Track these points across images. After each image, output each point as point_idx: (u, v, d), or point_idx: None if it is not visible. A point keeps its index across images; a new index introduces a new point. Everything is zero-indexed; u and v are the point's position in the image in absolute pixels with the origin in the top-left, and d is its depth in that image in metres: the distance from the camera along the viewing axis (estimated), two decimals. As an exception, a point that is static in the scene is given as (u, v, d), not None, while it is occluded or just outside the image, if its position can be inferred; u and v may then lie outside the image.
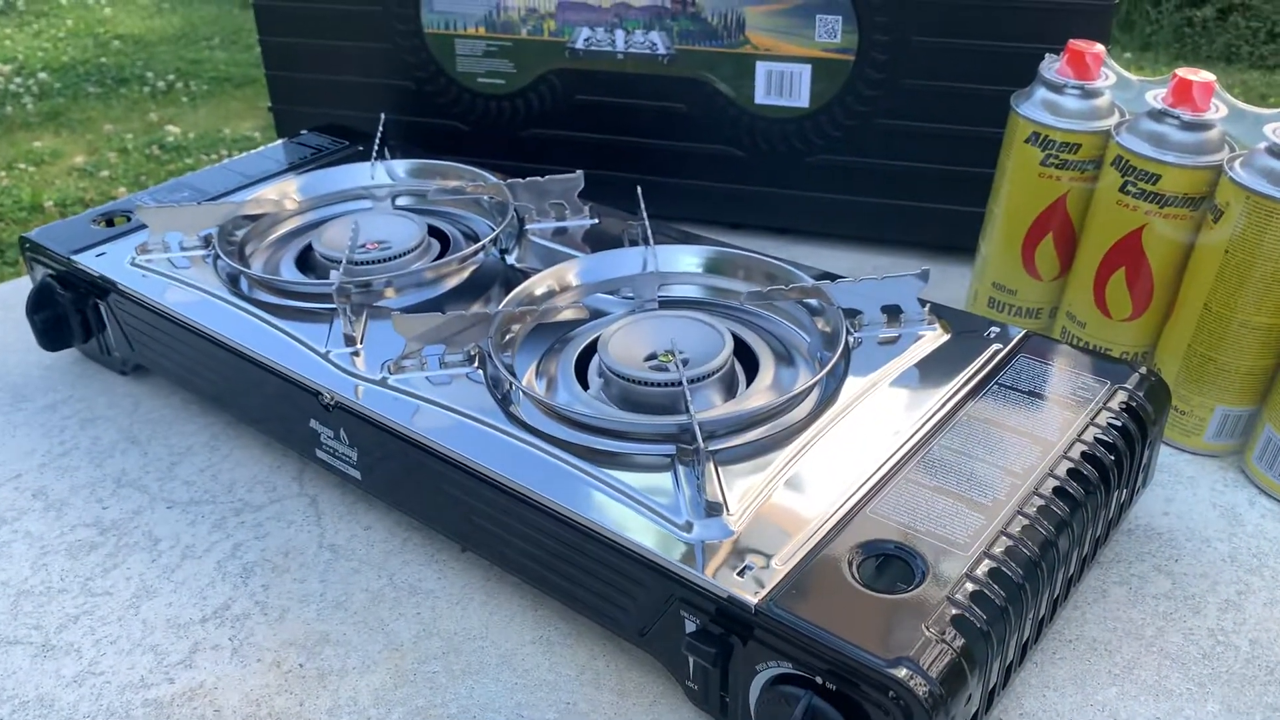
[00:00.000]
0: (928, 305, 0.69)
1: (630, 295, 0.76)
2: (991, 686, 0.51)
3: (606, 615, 0.58)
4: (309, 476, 0.74)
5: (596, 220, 0.83)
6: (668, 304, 0.75)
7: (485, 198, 0.87)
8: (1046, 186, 0.77)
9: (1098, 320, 0.77)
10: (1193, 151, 0.69)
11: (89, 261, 0.81)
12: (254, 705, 0.58)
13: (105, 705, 0.59)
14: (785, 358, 0.69)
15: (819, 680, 0.48)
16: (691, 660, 0.53)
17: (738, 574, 0.51)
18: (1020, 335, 0.67)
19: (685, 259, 0.76)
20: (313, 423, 0.68)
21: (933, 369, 0.65)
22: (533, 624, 0.63)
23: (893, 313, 0.69)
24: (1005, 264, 0.82)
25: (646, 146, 1.00)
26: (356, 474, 0.68)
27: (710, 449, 0.58)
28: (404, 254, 0.79)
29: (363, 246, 0.80)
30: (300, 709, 0.58)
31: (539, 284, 0.72)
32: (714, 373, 0.65)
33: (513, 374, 0.65)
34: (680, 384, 0.62)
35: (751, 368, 0.68)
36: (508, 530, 0.60)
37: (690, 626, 0.53)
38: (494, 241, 0.81)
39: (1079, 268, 0.78)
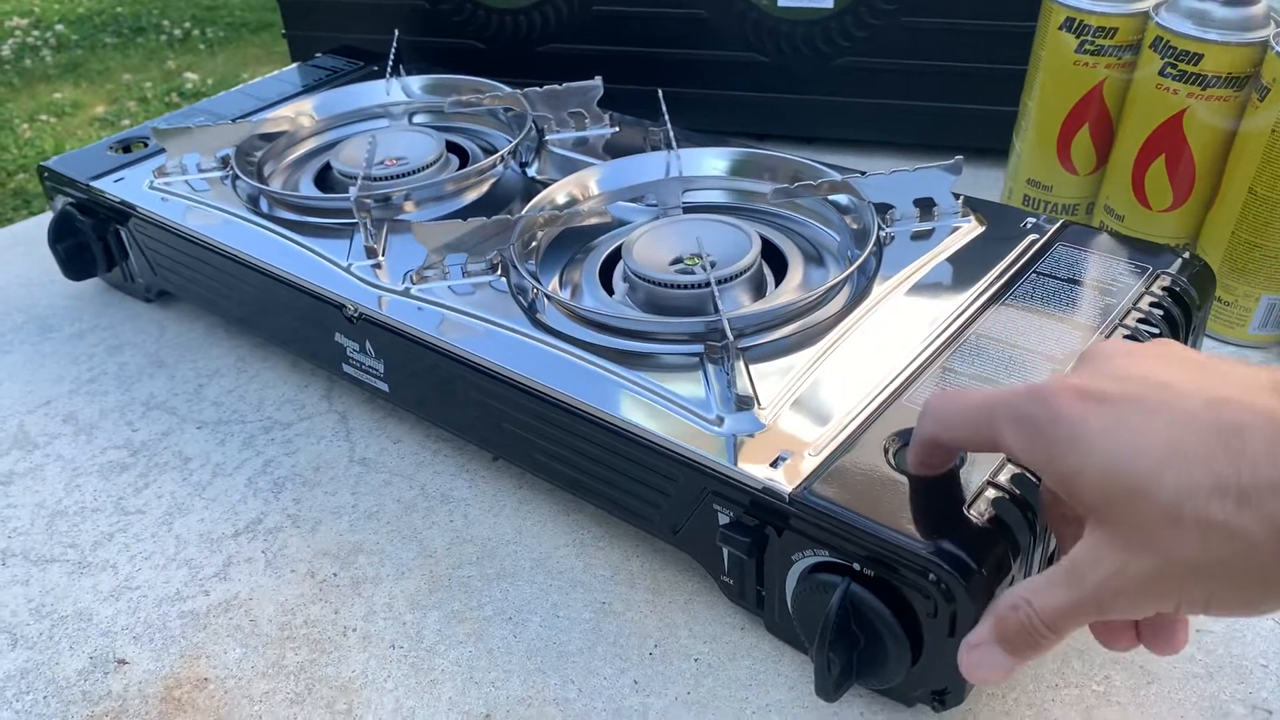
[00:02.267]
0: (961, 198, 0.67)
1: (654, 202, 0.74)
2: (1033, 571, 0.50)
3: (639, 515, 0.57)
4: (337, 393, 0.74)
5: (617, 129, 0.81)
6: (693, 209, 0.73)
7: (502, 110, 0.85)
8: (1082, 75, 0.75)
9: (1137, 212, 0.75)
10: (1237, 28, 0.67)
11: (107, 187, 0.80)
12: (289, 614, 0.58)
13: (143, 618, 0.59)
14: (815, 258, 0.68)
15: (857, 567, 0.47)
16: (726, 553, 0.52)
17: (771, 465, 0.50)
18: (1058, 225, 0.65)
19: (710, 162, 0.74)
20: (338, 336, 0.68)
21: (968, 261, 0.63)
22: (565, 528, 0.62)
23: (925, 206, 0.67)
24: (1040, 159, 0.79)
25: (667, 57, 0.98)
26: (384, 386, 0.67)
27: (739, 346, 0.57)
28: (422, 168, 0.78)
29: (381, 162, 0.78)
30: (336, 616, 0.58)
31: (560, 191, 0.71)
32: (741, 273, 0.63)
33: (536, 279, 0.64)
34: (709, 285, 0.60)
35: (780, 270, 0.67)
36: (538, 435, 0.59)
37: (724, 520, 0.52)
38: (513, 153, 0.79)
39: (1116, 159, 0.75)
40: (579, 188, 0.72)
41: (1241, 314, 0.71)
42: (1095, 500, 0.37)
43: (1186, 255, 0.62)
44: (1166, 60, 0.69)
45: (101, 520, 0.66)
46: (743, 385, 0.54)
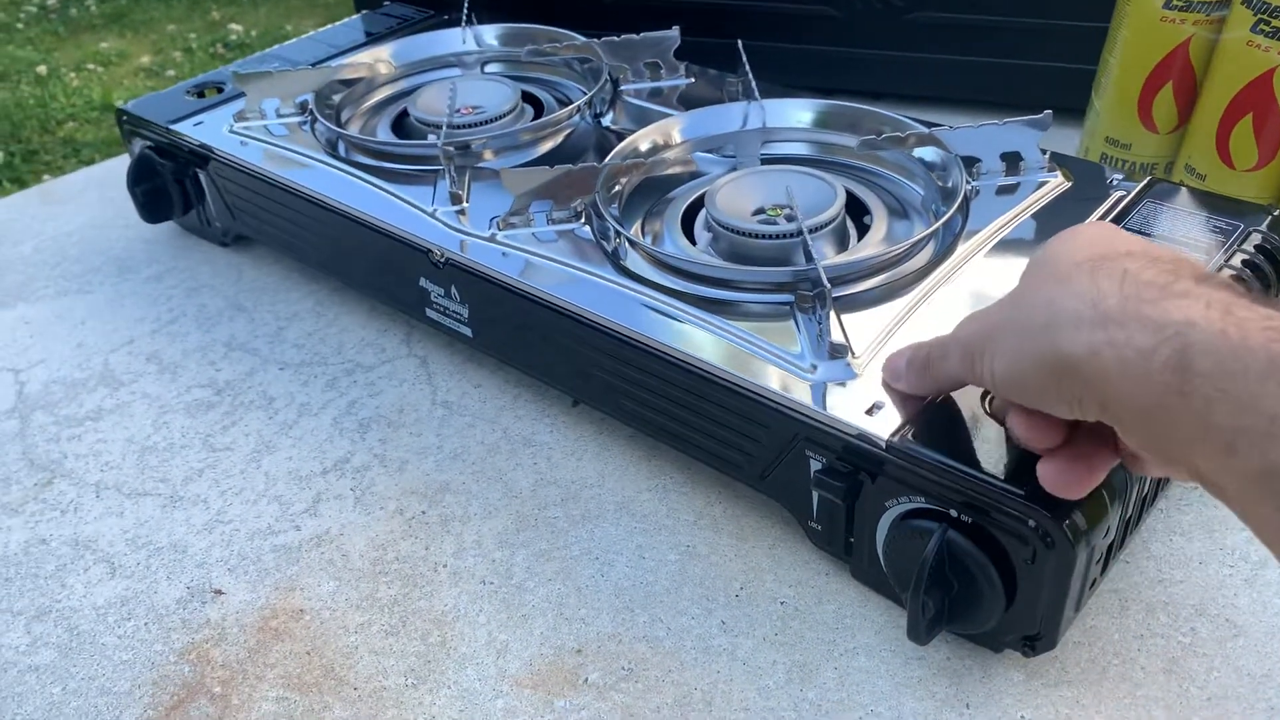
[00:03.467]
0: (1048, 153, 0.67)
1: (732, 154, 0.74)
2: (1128, 518, 0.50)
3: (726, 460, 0.58)
4: (417, 338, 0.75)
5: (692, 79, 0.81)
6: (771, 161, 0.73)
7: (577, 61, 0.85)
8: (1168, 32, 0.74)
9: (1219, 171, 0.74)
10: (1334, -16, 0.66)
11: (187, 130, 0.81)
12: (380, 549, 0.60)
13: (236, 550, 0.60)
14: (899, 212, 0.68)
15: (953, 513, 0.48)
16: (817, 498, 0.53)
17: (866, 412, 0.51)
18: (1145, 182, 0.65)
19: (793, 113, 0.74)
20: (423, 281, 0.68)
21: (1055, 216, 0.63)
22: (647, 473, 0.63)
23: (1012, 160, 0.66)
24: (1120, 117, 0.79)
25: (738, 9, 0.97)
26: (468, 331, 0.68)
27: (813, 297, 0.57)
28: (499, 117, 0.78)
29: (458, 110, 0.79)
30: (426, 552, 0.59)
31: (643, 139, 0.71)
32: (827, 224, 0.63)
33: (620, 225, 0.65)
34: (799, 234, 0.60)
35: (863, 224, 0.67)
36: (624, 380, 0.60)
37: (816, 466, 0.53)
38: (588, 104, 0.79)
39: (1200, 117, 0.74)
40: (662, 136, 0.72)
41: (1324, 276, 0.71)
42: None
43: (1277, 213, 0.62)
44: (1260, 16, 0.68)
45: (191, 456, 0.67)
46: (836, 333, 0.54)
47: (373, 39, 0.94)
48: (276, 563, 0.60)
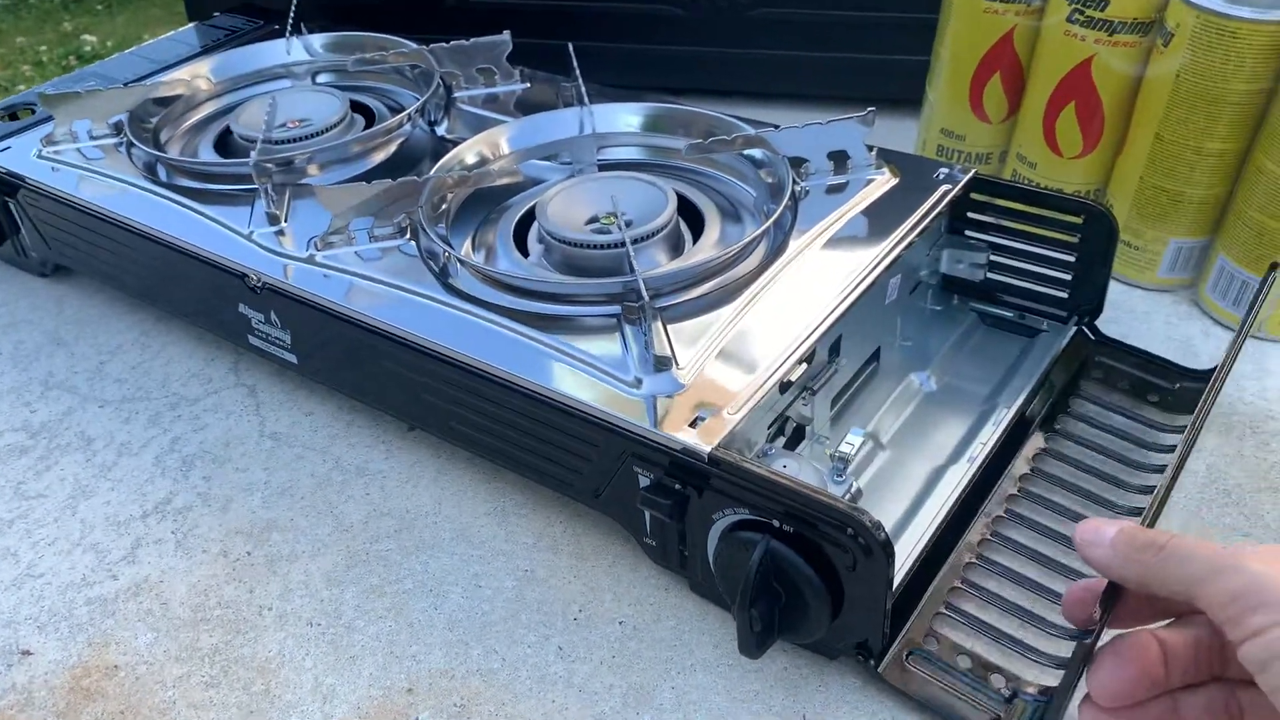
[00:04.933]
0: (874, 150, 0.67)
1: (568, 160, 0.73)
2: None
3: (560, 480, 0.56)
4: (245, 366, 0.72)
5: (528, 85, 0.80)
6: (608, 167, 0.72)
7: (409, 68, 0.83)
8: (991, 23, 0.75)
9: (1048, 159, 0.75)
10: (1142, -27, 0.67)
11: (-7, 156, 0.76)
12: (202, 595, 0.57)
13: (47, 606, 0.57)
14: (732, 214, 0.67)
15: (776, 524, 0.47)
16: (648, 515, 0.52)
17: (690, 425, 0.50)
18: (970, 176, 0.65)
19: (624, 118, 0.73)
20: (242, 307, 0.65)
21: (882, 213, 0.63)
22: (486, 497, 0.61)
23: (839, 159, 0.66)
24: (953, 108, 0.79)
25: (577, 10, 0.96)
26: (292, 358, 0.65)
27: (656, 306, 0.56)
28: (326, 130, 0.75)
29: (283, 124, 0.75)
30: (251, 595, 0.56)
31: (469, 150, 0.69)
32: (657, 232, 0.62)
33: (448, 243, 0.63)
34: (624, 244, 0.59)
35: (698, 227, 0.66)
36: (454, 404, 0.58)
37: (644, 482, 0.51)
38: (420, 111, 0.77)
39: (1028, 106, 0.75)
40: (489, 146, 0.70)
41: (1150, 259, 0.72)
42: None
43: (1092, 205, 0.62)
44: (1074, 6, 0.69)
45: (0, 507, 0.63)
46: (660, 345, 0.53)
47: (199, 53, 0.90)
48: (90, 616, 0.56)
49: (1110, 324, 0.70)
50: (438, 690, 0.51)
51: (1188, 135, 0.67)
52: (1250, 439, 0.62)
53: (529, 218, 0.67)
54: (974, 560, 0.54)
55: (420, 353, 0.57)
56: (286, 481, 0.63)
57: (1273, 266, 0.60)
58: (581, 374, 0.54)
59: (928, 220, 0.62)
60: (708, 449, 0.48)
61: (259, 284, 0.63)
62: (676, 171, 0.71)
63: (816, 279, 0.58)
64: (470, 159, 0.69)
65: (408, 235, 0.64)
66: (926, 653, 0.50)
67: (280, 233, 0.66)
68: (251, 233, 0.66)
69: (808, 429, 0.59)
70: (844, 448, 0.53)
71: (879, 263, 0.59)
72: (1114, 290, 0.73)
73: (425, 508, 0.61)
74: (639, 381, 0.52)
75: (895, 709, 0.49)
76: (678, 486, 0.50)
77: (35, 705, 0.52)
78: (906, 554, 0.53)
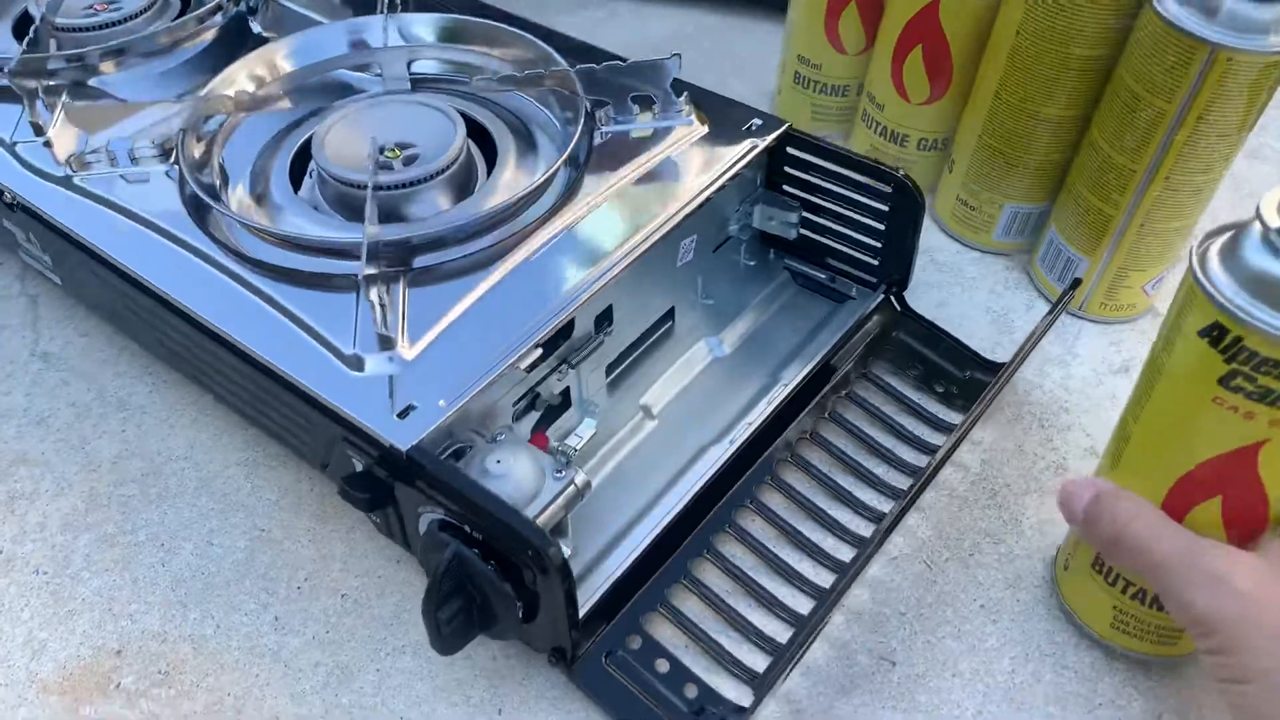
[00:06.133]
0: (685, 94, 0.62)
1: (379, 73, 0.68)
2: (655, 534, 0.49)
3: (291, 445, 0.55)
4: (31, 275, 0.69)
5: (358, -24, 0.74)
6: (422, 82, 0.67)
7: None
8: (849, -54, 0.68)
9: (896, 103, 0.70)
10: (994, -88, 0.61)
11: None
12: (-66, 533, 0.56)
13: None
14: (530, 145, 0.63)
15: (467, 529, 0.46)
16: (363, 498, 0.50)
17: (399, 415, 0.47)
18: (781, 131, 0.61)
19: (426, 28, 0.67)
20: (6, 222, 0.62)
21: (678, 169, 0.59)
22: (241, 444, 0.60)
23: (644, 103, 0.62)
24: (809, 34, 0.74)
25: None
26: (56, 279, 0.63)
27: (411, 267, 0.53)
28: (132, 17, 0.70)
29: (89, 7, 0.70)
30: (-17, 537, 0.56)
31: (242, 71, 0.64)
32: (438, 173, 0.58)
33: (200, 180, 0.58)
34: (365, 187, 0.55)
35: (493, 156, 0.62)
36: (193, 355, 0.56)
37: (359, 467, 0.50)
38: (235, 1, 0.71)
39: (879, 44, 0.70)
40: (266, 65, 0.65)
41: (986, 220, 0.68)
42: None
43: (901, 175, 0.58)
44: (923, -58, 0.63)
45: None
46: (382, 323, 0.50)
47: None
48: None
49: (935, 288, 0.68)
50: (146, 654, 0.51)
51: (1025, 97, 0.62)
52: (1036, 433, 0.60)
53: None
54: (706, 555, 0.53)
55: (158, 299, 0.54)
56: (45, 410, 0.61)
57: (1075, 283, 0.57)
58: (306, 344, 0.51)
59: (723, 180, 0.58)
60: (407, 444, 0.46)
61: (13, 202, 0.59)
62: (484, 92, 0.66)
63: (592, 242, 0.55)
64: (243, 80, 0.64)
65: (172, 159, 0.60)
66: (626, 656, 0.49)
67: (48, 143, 0.61)
68: (15, 144, 0.61)
69: (574, 396, 0.57)
70: (570, 440, 0.51)
71: (662, 227, 0.56)
72: (949, 250, 0.70)
73: (177, 452, 0.59)
74: (358, 360, 0.50)
75: (590, 709, 0.49)
76: (384, 476, 0.48)
77: None
78: (631, 551, 0.51)
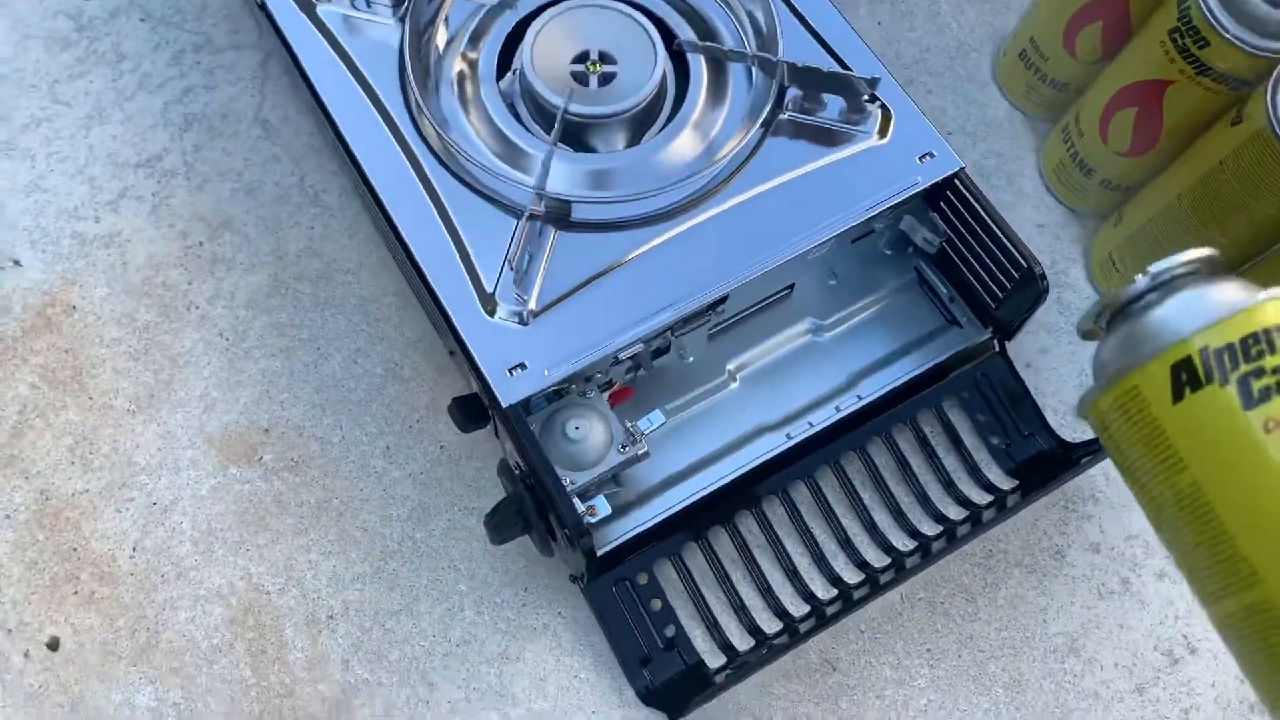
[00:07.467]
0: (878, 102, 0.63)
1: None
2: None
3: (431, 320, 0.64)
4: (269, 31, 0.76)
5: None
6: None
7: None
8: (1119, -29, 0.64)
9: (1095, 140, 0.69)
10: (1254, 33, 0.57)
11: None
12: (154, 269, 0.69)
13: (43, 225, 0.70)
14: (720, 78, 0.64)
15: (529, 481, 0.56)
16: (469, 403, 0.61)
17: (510, 370, 0.56)
18: (952, 171, 0.62)
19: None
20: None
21: (849, 178, 0.61)
22: (399, 278, 0.69)
23: (835, 100, 0.63)
24: (1048, 27, 0.71)
25: None
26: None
27: (560, 219, 0.59)
28: None
29: None
30: (189, 288, 0.68)
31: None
32: (629, 109, 0.62)
33: (420, 46, 0.63)
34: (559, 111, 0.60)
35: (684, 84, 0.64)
36: (370, 206, 0.63)
37: (472, 386, 0.60)
38: None
39: (1100, 87, 0.68)
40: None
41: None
42: None
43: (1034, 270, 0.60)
44: (1178, 25, 0.59)
45: (36, 100, 0.73)
46: (530, 271, 0.57)
47: None
48: (71, 250, 0.69)
49: (1047, 332, 0.71)
50: (286, 440, 0.65)
51: (1197, 221, 0.62)
52: (1056, 513, 0.66)
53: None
54: (725, 527, 0.63)
55: (349, 154, 0.61)
56: (255, 180, 0.71)
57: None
58: (458, 263, 0.58)
59: (885, 207, 0.61)
60: (505, 402, 0.56)
61: (261, 3, 0.66)
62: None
63: (743, 236, 0.59)
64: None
65: (402, 10, 0.64)
66: (630, 588, 0.61)
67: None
68: (277, -51, 0.66)
69: (671, 347, 0.64)
70: (642, 424, 0.60)
71: (815, 236, 0.59)
72: (1082, 299, 0.72)
73: (349, 264, 0.70)
74: (492, 301, 0.58)
75: (590, 615, 0.62)
76: (486, 406, 0.58)
77: (10, 315, 0.67)
78: (665, 508, 0.62)
